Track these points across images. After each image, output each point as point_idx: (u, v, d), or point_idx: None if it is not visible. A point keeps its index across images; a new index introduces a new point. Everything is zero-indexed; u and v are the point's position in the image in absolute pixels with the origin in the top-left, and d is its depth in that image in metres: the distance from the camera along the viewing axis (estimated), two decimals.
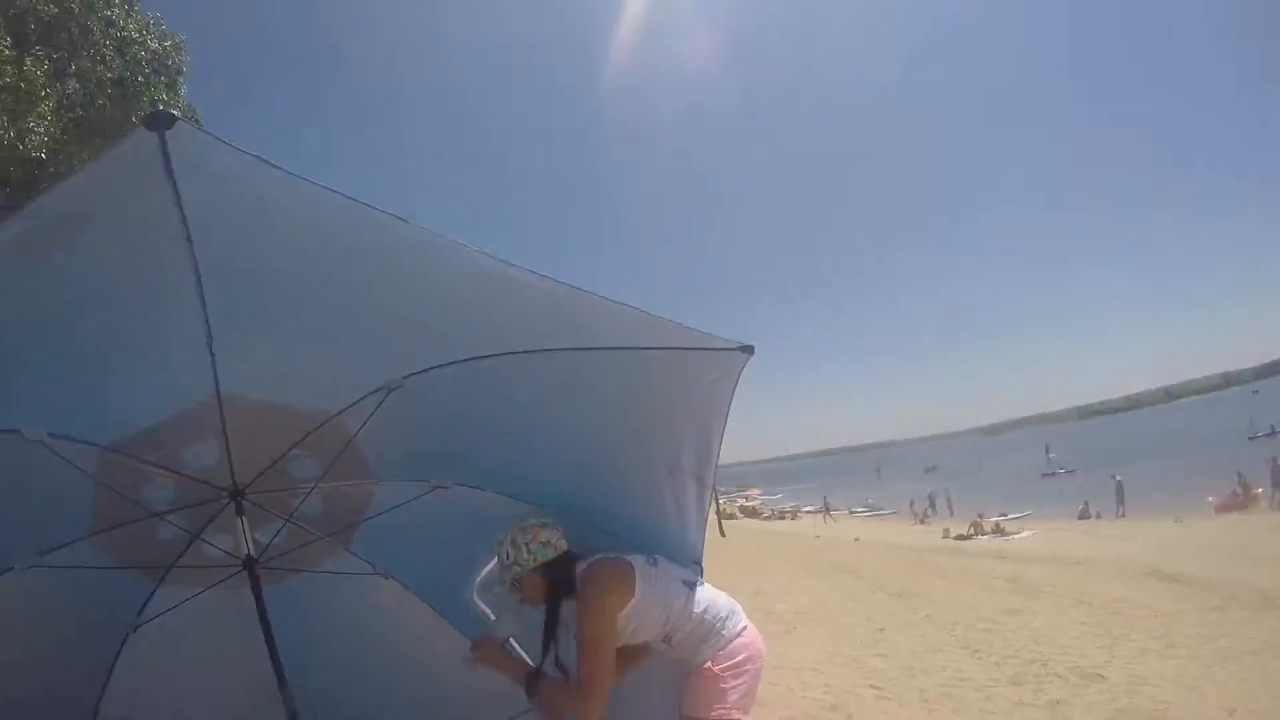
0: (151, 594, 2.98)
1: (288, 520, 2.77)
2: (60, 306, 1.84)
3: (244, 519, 2.52)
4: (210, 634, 2.96)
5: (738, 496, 56.32)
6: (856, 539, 23.25)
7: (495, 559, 2.53)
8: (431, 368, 2.36)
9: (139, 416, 2.30)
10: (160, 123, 1.35)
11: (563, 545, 2.58)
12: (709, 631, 2.55)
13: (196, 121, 18.73)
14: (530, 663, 2.57)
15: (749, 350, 2.42)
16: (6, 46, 13.00)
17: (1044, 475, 47.85)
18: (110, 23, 14.51)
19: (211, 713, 3.11)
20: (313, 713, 2.86)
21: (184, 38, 15.67)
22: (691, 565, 2.83)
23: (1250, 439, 40.65)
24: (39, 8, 13.94)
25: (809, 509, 43.62)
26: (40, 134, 12.98)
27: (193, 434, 2.36)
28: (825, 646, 7.68)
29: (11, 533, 2.53)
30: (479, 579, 2.79)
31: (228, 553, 2.65)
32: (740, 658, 2.55)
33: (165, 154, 1.39)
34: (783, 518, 40.18)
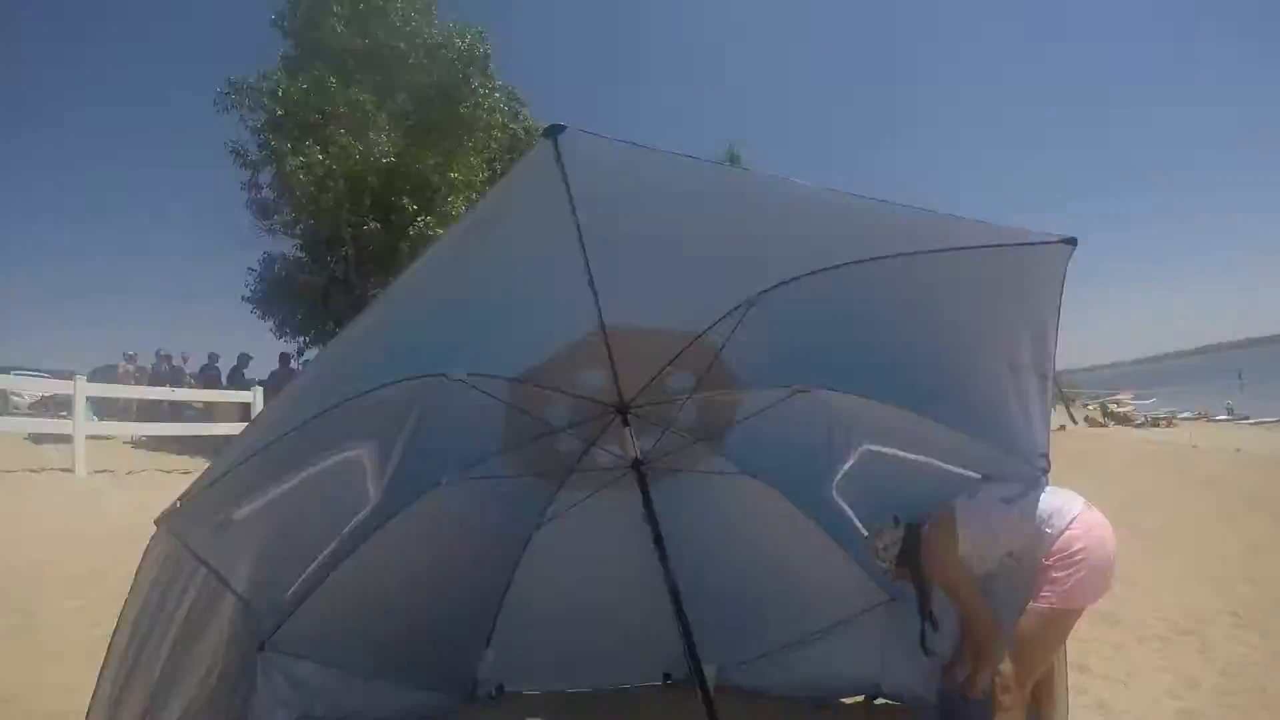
0: (553, 497, 3.61)
1: (666, 429, 3.17)
2: (477, 278, 2.28)
3: (630, 429, 2.90)
4: (599, 530, 3.48)
5: (1108, 402, 51.66)
6: (1238, 450, 20.34)
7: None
8: (781, 283, 2.55)
9: (539, 352, 2.75)
10: (553, 131, 1.71)
11: (899, 535, 3.07)
12: (1039, 535, 2.78)
13: (519, 101, 21.37)
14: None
15: (1071, 242, 2.38)
16: (333, 82, 15.28)
17: None
18: (414, 35, 16.45)
19: (598, 591, 3.67)
20: (688, 593, 3.31)
21: (481, 28, 17.41)
22: (1037, 459, 2.92)
23: None
24: (350, 46, 16.16)
25: (1185, 415, 39.42)
26: (384, 144, 15.14)
27: (584, 361, 2.77)
28: (1188, 566, 7.01)
29: (440, 455, 3.14)
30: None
31: (618, 457, 3.07)
32: (1071, 549, 2.71)
33: (557, 152, 1.73)
34: (1156, 425, 36.58)
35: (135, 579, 2.26)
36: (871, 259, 2.45)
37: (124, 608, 2.28)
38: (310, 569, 2.96)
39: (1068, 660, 3.25)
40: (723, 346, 2.76)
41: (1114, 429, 35.23)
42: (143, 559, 2.25)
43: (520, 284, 2.37)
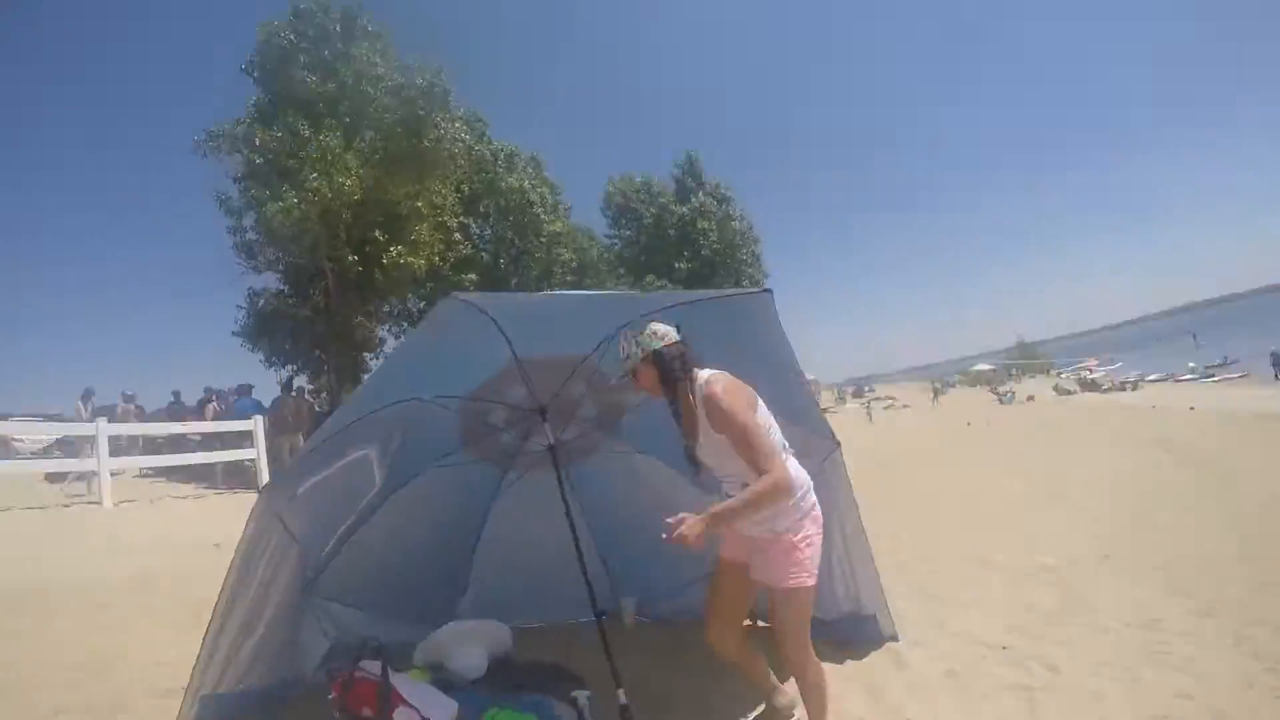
0: (503, 477, 5.05)
1: (571, 420, 4.58)
2: (437, 352, 3.72)
3: (547, 425, 4.15)
4: (540, 499, 4.50)
5: (1080, 369, 52.98)
6: (1191, 409, 21.05)
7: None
8: (621, 326, 3.70)
9: (477, 378, 4.12)
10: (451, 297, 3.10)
11: (673, 337, 3.19)
12: (800, 491, 3.02)
13: (482, 122, 23.06)
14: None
15: (768, 292, 3.53)
16: (305, 128, 16.57)
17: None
18: (380, 79, 17.81)
19: (543, 546, 4.66)
20: (611, 544, 4.51)
21: (439, 66, 18.81)
22: (829, 434, 4.03)
23: None
24: (317, 90, 17.50)
25: (1154, 377, 40.75)
26: (351, 183, 16.47)
27: (509, 382, 4.10)
28: (1087, 518, 7.56)
29: (421, 452, 4.51)
30: None
31: (542, 445, 4.32)
32: (812, 531, 3.01)
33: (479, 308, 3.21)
34: (1123, 389, 38.05)
35: (241, 537, 3.53)
36: (666, 308, 3.64)
37: (231, 561, 3.53)
38: (339, 533, 4.31)
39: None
40: (597, 363, 4.08)
41: (1083, 395, 36.74)
42: (247, 521, 3.53)
43: (462, 346, 3.74)
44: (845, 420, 28.44)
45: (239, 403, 15.39)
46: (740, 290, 3.73)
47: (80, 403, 14.72)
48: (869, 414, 30.34)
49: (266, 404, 15.52)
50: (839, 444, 4.11)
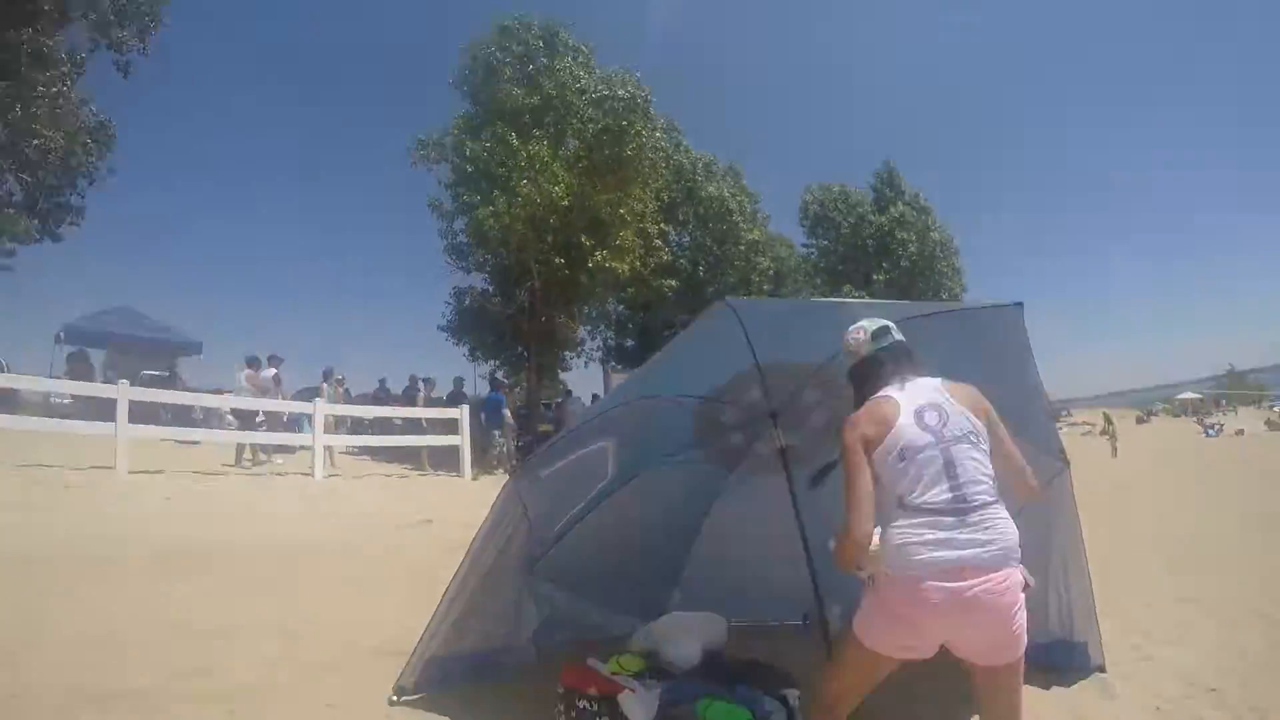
0: (728, 477, 5.14)
1: (801, 426, 4.56)
2: (687, 354, 4.01)
3: (778, 429, 4.21)
4: (762, 502, 4.63)
5: None
6: None
7: None
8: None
9: (717, 380, 4.29)
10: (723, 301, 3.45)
11: (862, 352, 2.82)
12: (899, 545, 2.36)
13: (679, 131, 23.62)
14: None
15: (1019, 305, 3.56)
16: (512, 138, 17.48)
17: None
18: (582, 91, 18.55)
19: (759, 548, 4.76)
20: (822, 552, 4.65)
21: (638, 74, 19.38)
22: (1059, 453, 3.92)
23: None
24: (524, 103, 18.39)
25: None
26: (560, 188, 17.26)
27: (747, 385, 4.22)
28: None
29: (654, 447, 4.70)
30: None
31: (769, 449, 4.43)
32: (900, 591, 2.32)
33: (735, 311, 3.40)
34: None
35: (487, 515, 3.91)
36: (920, 315, 3.74)
37: (474, 535, 3.91)
38: (566, 519, 4.56)
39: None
40: (835, 372, 4.10)
41: None
42: (495, 500, 3.91)
43: (709, 348, 3.99)
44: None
45: (491, 396, 17.13)
46: (989, 303, 3.72)
47: (324, 382, 16.17)
48: (1113, 447, 26.26)
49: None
50: (1068, 464, 4.02)
